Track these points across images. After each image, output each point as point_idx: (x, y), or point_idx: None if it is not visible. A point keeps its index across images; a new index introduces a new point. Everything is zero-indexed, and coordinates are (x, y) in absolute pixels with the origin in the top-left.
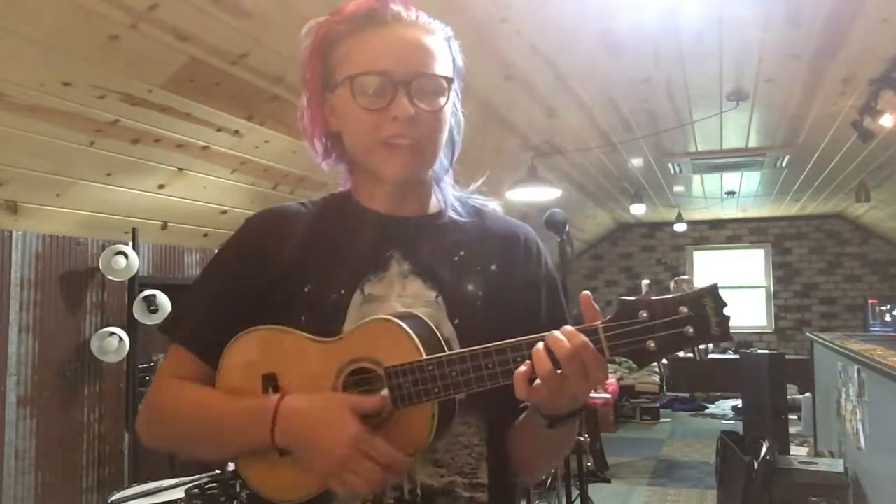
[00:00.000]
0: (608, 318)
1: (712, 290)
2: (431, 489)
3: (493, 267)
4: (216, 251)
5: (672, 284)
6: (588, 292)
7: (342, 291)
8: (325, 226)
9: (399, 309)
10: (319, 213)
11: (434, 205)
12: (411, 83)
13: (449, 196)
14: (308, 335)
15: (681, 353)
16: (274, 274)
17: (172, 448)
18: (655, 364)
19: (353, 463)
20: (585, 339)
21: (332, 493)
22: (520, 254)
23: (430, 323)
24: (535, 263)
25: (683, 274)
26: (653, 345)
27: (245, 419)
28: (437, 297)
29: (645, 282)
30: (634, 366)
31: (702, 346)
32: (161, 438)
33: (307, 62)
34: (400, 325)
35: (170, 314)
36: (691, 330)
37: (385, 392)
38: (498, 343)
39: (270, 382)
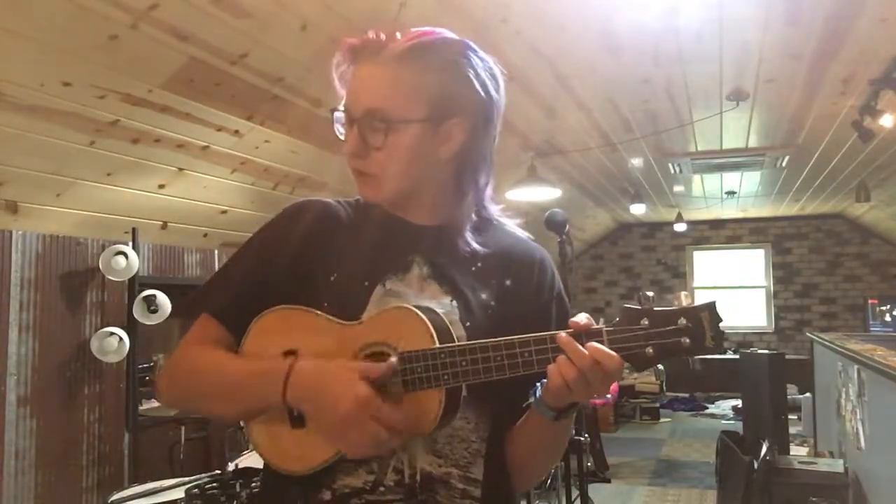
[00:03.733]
0: (613, 322)
1: (710, 306)
2: (430, 476)
3: (508, 282)
4: (222, 247)
5: (673, 298)
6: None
7: (366, 283)
8: (355, 224)
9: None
10: (351, 212)
11: (455, 215)
12: (363, 120)
13: (465, 215)
14: (330, 317)
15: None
16: (303, 260)
17: (188, 404)
18: (655, 367)
19: (359, 422)
20: (603, 348)
21: (336, 467)
22: (534, 274)
23: (444, 318)
24: (549, 285)
25: (683, 275)
26: (651, 351)
27: (260, 376)
28: (451, 300)
29: (649, 293)
30: (634, 371)
31: (695, 357)
32: (178, 395)
33: (339, 91)
34: (417, 314)
35: (199, 288)
36: (687, 340)
37: (393, 359)
38: (507, 338)
39: None
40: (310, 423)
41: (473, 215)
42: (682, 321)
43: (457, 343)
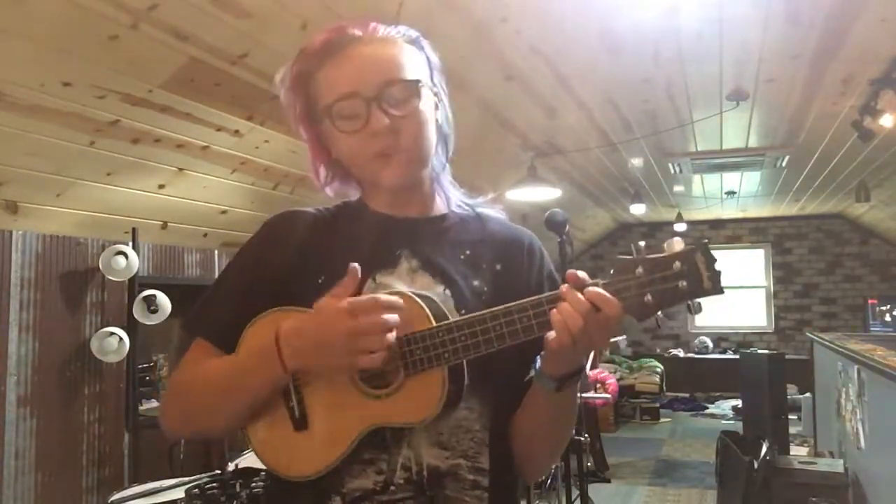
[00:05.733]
0: (609, 276)
1: (703, 247)
2: (438, 470)
3: (498, 267)
4: (222, 248)
5: (665, 245)
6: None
7: None
8: (339, 227)
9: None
10: (334, 216)
11: (439, 206)
12: (381, 95)
13: (451, 195)
14: None
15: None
16: (290, 269)
17: (192, 422)
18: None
19: (360, 338)
20: (602, 293)
21: (344, 470)
22: (523, 257)
23: (440, 304)
24: (539, 267)
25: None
26: (650, 298)
27: (252, 358)
28: (444, 289)
29: (641, 243)
30: (637, 321)
31: (695, 301)
32: (181, 417)
33: (291, 103)
34: (412, 297)
35: (192, 310)
36: (685, 283)
37: (354, 265)
38: (505, 306)
39: None
40: (320, 378)
41: (457, 205)
42: (677, 265)
43: (454, 319)
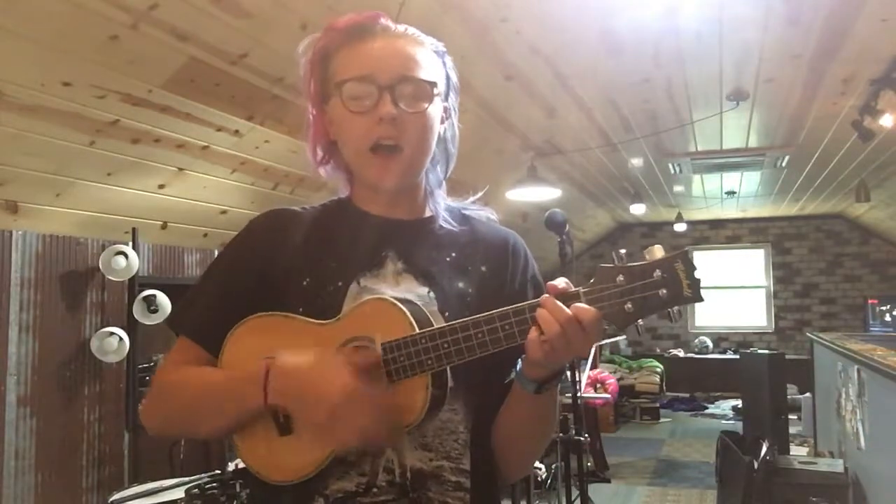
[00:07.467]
0: (589, 283)
1: (683, 255)
2: (421, 472)
3: (483, 268)
4: (222, 248)
5: (646, 252)
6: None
7: (339, 284)
8: (325, 226)
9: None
10: (320, 216)
11: (427, 212)
12: (395, 87)
13: (441, 206)
14: (307, 319)
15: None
16: (274, 269)
17: (172, 427)
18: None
19: (347, 413)
20: (583, 304)
21: (328, 472)
22: (508, 258)
23: (423, 308)
24: (523, 267)
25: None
26: (630, 306)
27: (238, 382)
28: (428, 292)
29: (622, 251)
30: (618, 329)
31: (675, 308)
32: (162, 419)
33: (307, 76)
34: (394, 303)
35: (175, 309)
36: (665, 292)
37: (378, 348)
38: (487, 313)
39: None
40: (296, 423)
41: (443, 217)
42: (658, 273)
43: (437, 326)
